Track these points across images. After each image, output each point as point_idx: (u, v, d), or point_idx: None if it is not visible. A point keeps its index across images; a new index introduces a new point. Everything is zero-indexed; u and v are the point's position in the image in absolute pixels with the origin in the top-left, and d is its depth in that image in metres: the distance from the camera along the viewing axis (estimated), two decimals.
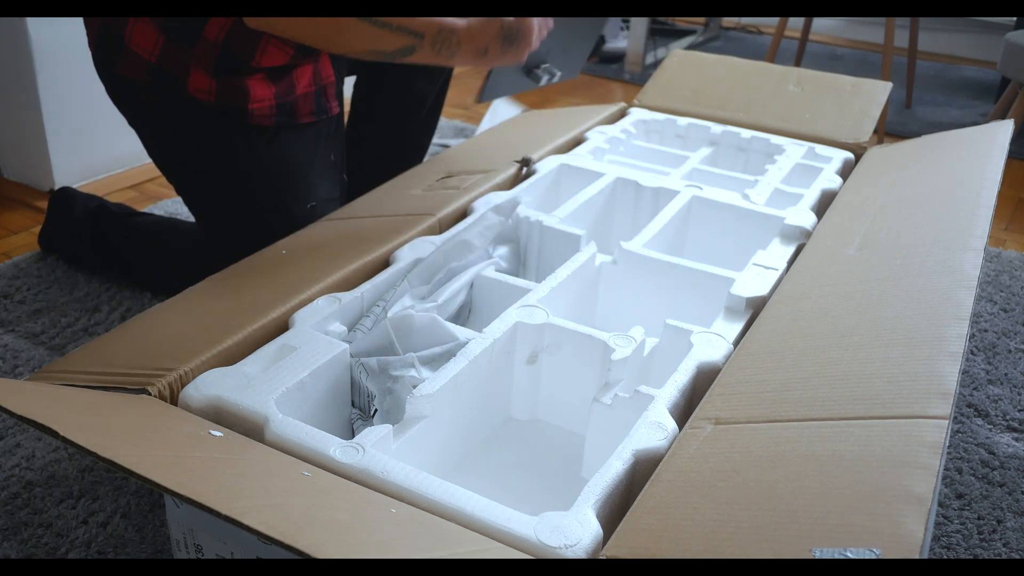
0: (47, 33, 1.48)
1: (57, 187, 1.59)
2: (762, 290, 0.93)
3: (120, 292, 1.28)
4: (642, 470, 0.71)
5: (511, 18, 1.02)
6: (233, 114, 1.06)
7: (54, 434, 0.58)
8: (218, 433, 0.69)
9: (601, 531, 0.63)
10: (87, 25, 1.10)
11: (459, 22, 1.01)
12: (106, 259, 1.30)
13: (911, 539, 0.54)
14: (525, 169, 1.24)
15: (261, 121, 1.07)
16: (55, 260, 1.35)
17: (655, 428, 0.73)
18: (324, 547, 0.51)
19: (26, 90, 1.52)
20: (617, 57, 2.74)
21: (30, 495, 0.91)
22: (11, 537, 0.86)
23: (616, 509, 0.69)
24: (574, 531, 0.62)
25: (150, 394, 0.74)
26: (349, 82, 1.36)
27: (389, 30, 0.97)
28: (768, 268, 0.98)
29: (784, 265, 0.99)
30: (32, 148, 1.58)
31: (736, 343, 0.86)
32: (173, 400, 0.76)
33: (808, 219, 1.08)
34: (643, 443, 0.71)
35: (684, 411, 0.79)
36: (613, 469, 0.69)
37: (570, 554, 0.61)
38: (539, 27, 1.05)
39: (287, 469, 0.66)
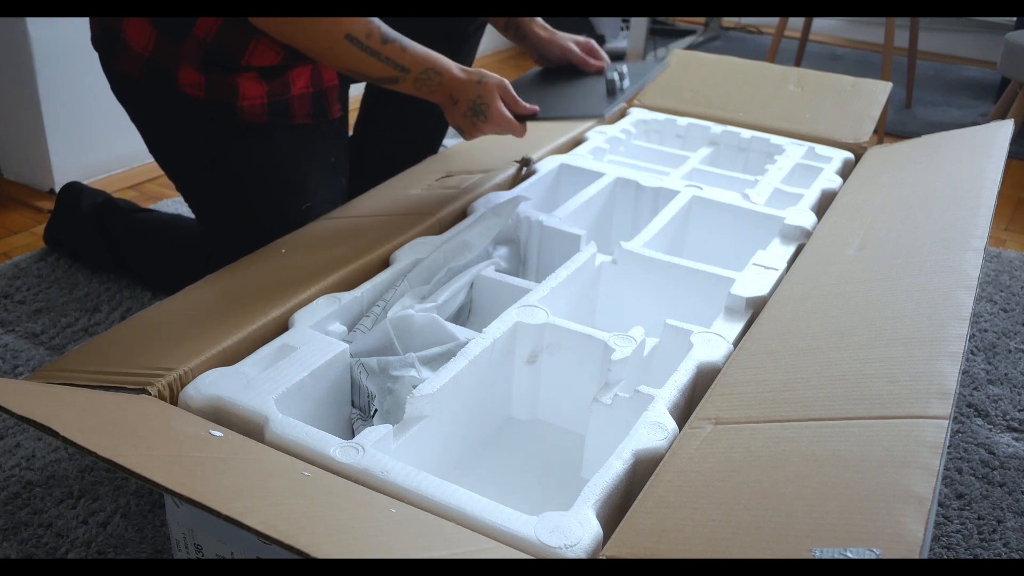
0: (47, 33, 1.48)
1: (57, 187, 1.59)
2: (762, 290, 0.93)
3: (120, 292, 1.28)
4: (642, 470, 0.71)
5: (485, 94, 1.03)
6: (223, 111, 1.06)
7: (54, 434, 0.58)
8: (218, 433, 0.69)
9: (601, 531, 0.63)
10: (90, 21, 1.11)
11: (450, 67, 1.04)
12: (113, 255, 1.30)
13: (911, 539, 0.54)
14: (525, 169, 1.24)
15: (252, 119, 1.07)
16: (55, 260, 1.35)
17: (655, 428, 0.73)
18: (324, 547, 0.51)
19: (26, 90, 1.52)
20: (617, 57, 2.74)
21: (30, 495, 0.91)
22: (11, 537, 0.86)
23: (616, 509, 0.69)
24: (574, 531, 0.62)
25: (150, 394, 0.74)
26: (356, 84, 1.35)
27: (378, 60, 1.00)
28: (768, 268, 0.98)
29: (784, 265, 0.99)
30: (32, 148, 1.58)
31: (736, 343, 0.86)
32: (173, 400, 0.76)
33: (808, 219, 1.08)
34: (643, 443, 0.71)
35: (684, 411, 0.79)
36: (613, 469, 0.69)
37: (570, 554, 0.61)
38: (501, 121, 1.04)
39: (287, 469, 0.66)
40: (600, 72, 1.21)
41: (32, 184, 1.63)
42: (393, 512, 0.62)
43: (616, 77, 1.13)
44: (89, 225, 1.31)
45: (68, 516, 0.89)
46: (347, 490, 0.64)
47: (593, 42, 1.24)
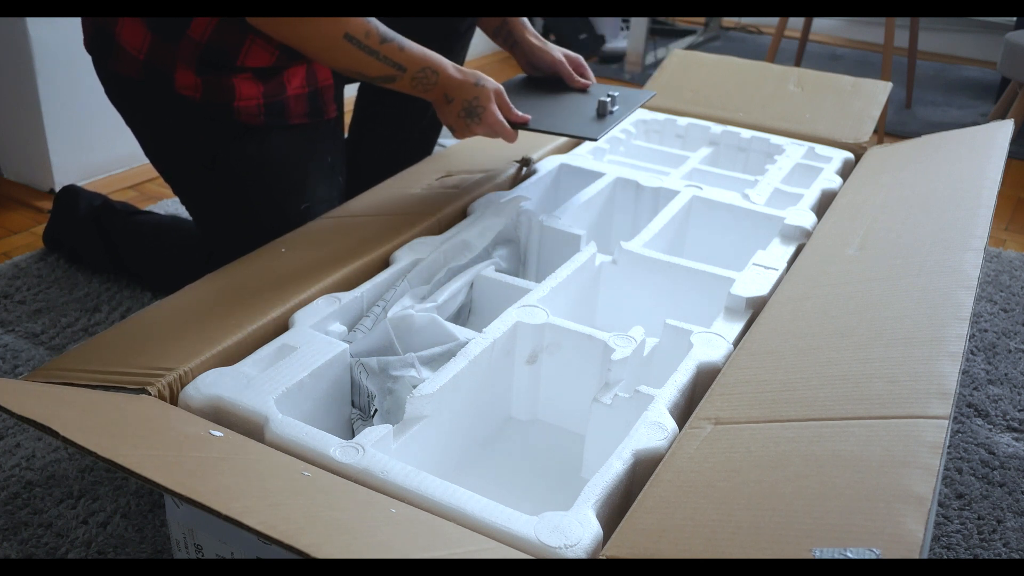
0: (47, 33, 1.48)
1: (57, 187, 1.59)
2: (762, 290, 0.93)
3: (120, 292, 1.28)
4: (642, 470, 0.71)
5: (482, 96, 1.04)
6: (220, 112, 1.06)
7: (54, 434, 0.58)
8: (218, 433, 0.69)
9: (601, 531, 0.63)
10: (82, 22, 1.11)
11: (446, 66, 1.04)
12: (113, 256, 1.30)
13: (911, 539, 0.54)
14: (525, 169, 1.24)
15: (249, 120, 1.07)
16: (55, 260, 1.35)
17: (655, 428, 0.73)
18: (324, 547, 0.51)
19: (26, 90, 1.52)
20: (617, 57, 2.74)
21: (30, 495, 0.91)
22: (11, 537, 0.86)
23: (616, 509, 0.69)
24: (574, 531, 0.62)
25: (150, 394, 0.74)
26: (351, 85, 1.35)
27: (376, 59, 1.01)
28: (768, 268, 0.98)
29: (784, 265, 0.99)
30: (32, 148, 1.58)
31: (736, 343, 0.86)
32: (173, 400, 0.76)
33: (808, 219, 1.08)
34: (643, 443, 0.71)
35: (684, 411, 0.79)
36: (613, 469, 0.69)
37: (570, 554, 0.61)
38: (495, 124, 1.05)
39: (287, 469, 0.66)
40: (585, 90, 1.21)
41: (32, 184, 1.63)
42: (393, 512, 0.62)
43: (607, 100, 1.13)
44: (88, 227, 1.31)
45: (68, 516, 0.89)
46: (347, 490, 0.64)
47: (582, 59, 1.25)
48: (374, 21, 1.00)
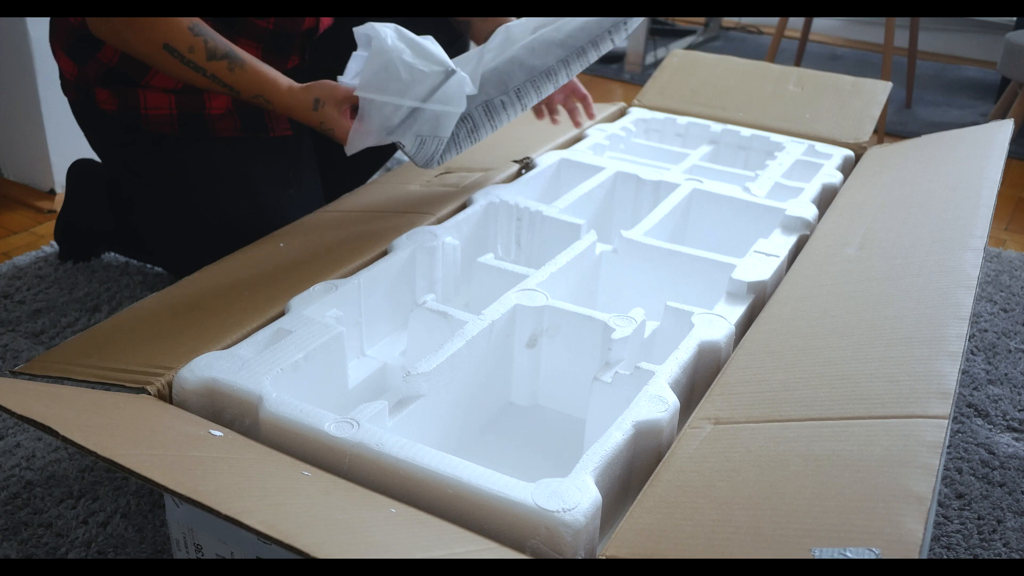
0: (47, 33, 1.48)
1: (58, 187, 1.59)
2: (763, 275, 0.93)
3: (120, 292, 1.28)
4: (643, 442, 0.71)
5: (327, 120, 0.96)
6: (133, 121, 1.08)
7: (54, 434, 0.58)
8: (218, 433, 0.69)
9: (600, 497, 0.63)
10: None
11: (280, 90, 0.95)
12: (125, 231, 1.29)
13: (911, 539, 0.54)
14: (525, 170, 1.24)
15: (161, 129, 1.08)
16: (55, 260, 1.35)
17: (656, 401, 0.73)
18: (324, 547, 0.51)
19: (26, 90, 1.52)
20: (617, 57, 2.74)
21: (30, 495, 0.91)
22: (11, 537, 0.86)
23: (617, 480, 0.69)
24: (572, 496, 0.62)
25: (149, 393, 0.74)
26: None
27: (203, 76, 0.93)
28: (769, 255, 0.97)
29: (785, 253, 0.99)
30: (32, 148, 1.58)
31: (738, 325, 0.86)
32: (172, 399, 0.76)
33: (810, 210, 1.08)
34: (644, 415, 0.71)
35: (685, 388, 0.79)
36: (613, 439, 0.68)
37: (568, 518, 0.60)
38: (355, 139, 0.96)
39: (287, 469, 0.66)
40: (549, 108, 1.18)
41: (32, 184, 1.63)
42: (393, 512, 0.62)
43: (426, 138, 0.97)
44: (100, 197, 1.30)
45: (68, 516, 0.89)
46: (347, 490, 0.64)
47: (588, 96, 1.23)
48: (207, 33, 0.94)
